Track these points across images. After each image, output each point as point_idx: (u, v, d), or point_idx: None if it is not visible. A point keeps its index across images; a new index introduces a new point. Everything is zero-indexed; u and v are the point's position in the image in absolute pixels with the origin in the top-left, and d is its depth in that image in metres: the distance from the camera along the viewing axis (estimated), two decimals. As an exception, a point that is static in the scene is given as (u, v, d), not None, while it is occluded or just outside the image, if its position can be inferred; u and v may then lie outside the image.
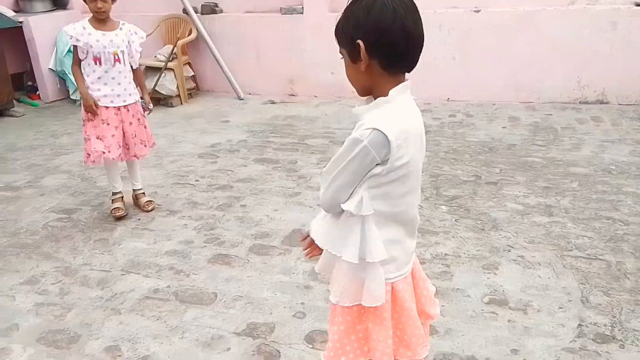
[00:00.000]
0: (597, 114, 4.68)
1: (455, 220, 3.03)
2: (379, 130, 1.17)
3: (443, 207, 3.20)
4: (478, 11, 5.05)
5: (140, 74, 3.26)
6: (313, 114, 5.23)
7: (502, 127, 4.54)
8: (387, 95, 1.23)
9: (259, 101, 5.76)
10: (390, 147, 1.18)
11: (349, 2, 1.26)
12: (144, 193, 3.38)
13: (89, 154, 3.05)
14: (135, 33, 3.09)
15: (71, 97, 5.97)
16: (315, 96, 5.72)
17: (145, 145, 3.24)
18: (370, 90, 1.29)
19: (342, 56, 1.29)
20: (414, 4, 1.23)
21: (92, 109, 2.98)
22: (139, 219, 3.24)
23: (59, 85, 6.03)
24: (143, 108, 3.21)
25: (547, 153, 3.92)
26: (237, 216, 3.21)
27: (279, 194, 3.48)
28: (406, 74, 1.28)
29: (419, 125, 1.30)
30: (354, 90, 1.32)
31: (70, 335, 2.23)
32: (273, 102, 5.70)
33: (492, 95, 5.18)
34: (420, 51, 1.25)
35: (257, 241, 2.92)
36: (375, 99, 1.27)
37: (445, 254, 2.71)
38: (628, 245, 2.72)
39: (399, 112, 1.23)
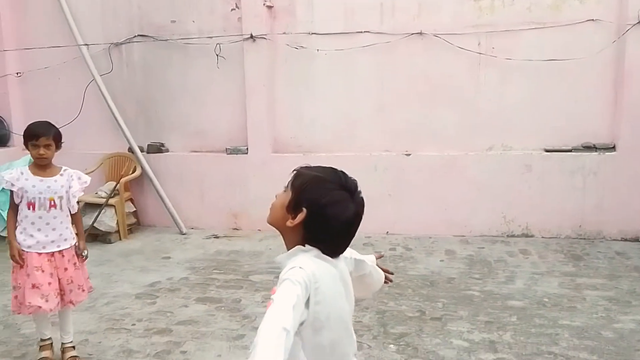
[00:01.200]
0: (524, 247, 5.01)
1: (405, 360, 3.00)
2: (302, 269, 1.26)
3: (392, 346, 3.17)
4: (409, 155, 5.54)
5: (79, 219, 3.12)
6: (257, 248, 5.23)
7: (440, 261, 4.73)
8: (304, 246, 1.35)
9: (202, 235, 5.72)
10: (310, 288, 1.25)
11: (326, 168, 1.38)
12: (73, 347, 3.08)
13: (21, 304, 2.84)
14: (79, 178, 3.02)
15: (0, 234, 5.65)
16: (259, 230, 5.76)
17: (83, 290, 3.05)
18: (285, 233, 1.39)
19: (284, 190, 1.38)
20: (363, 201, 1.38)
21: (15, 259, 2.85)
22: (65, 373, 2.95)
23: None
24: (77, 254, 3.05)
25: (484, 286, 4.08)
26: (177, 365, 3.01)
27: (222, 338, 3.32)
28: None
29: (338, 273, 1.37)
30: (269, 214, 1.40)
31: None
32: (216, 237, 5.68)
33: (427, 229, 5.46)
34: (347, 247, 1.40)
35: (199, 394, 2.71)
36: (288, 246, 1.37)
37: (398, 399, 2.63)
38: (571, 380, 2.78)
39: (316, 260, 1.33)
